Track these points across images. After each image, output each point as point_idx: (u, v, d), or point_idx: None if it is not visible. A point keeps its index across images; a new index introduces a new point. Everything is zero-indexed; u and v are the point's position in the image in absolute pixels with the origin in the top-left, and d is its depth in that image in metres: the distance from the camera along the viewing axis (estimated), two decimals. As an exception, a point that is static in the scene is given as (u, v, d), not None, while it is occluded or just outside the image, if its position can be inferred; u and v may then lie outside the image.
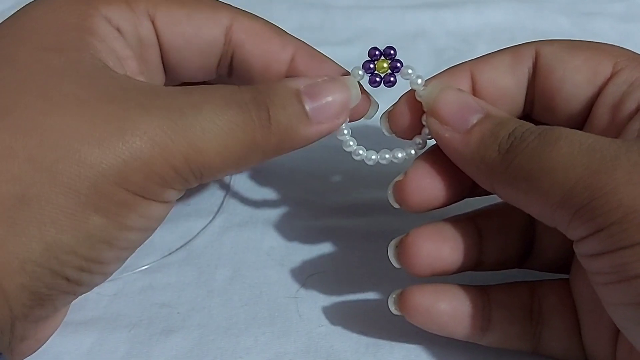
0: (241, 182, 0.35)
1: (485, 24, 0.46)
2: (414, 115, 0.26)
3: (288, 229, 0.33)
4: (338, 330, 0.28)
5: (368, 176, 0.35)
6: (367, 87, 0.27)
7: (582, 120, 0.25)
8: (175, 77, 0.29)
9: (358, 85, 0.26)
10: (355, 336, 0.28)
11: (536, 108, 0.27)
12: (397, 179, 0.26)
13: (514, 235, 0.27)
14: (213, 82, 0.29)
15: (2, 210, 0.21)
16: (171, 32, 0.27)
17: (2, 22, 0.26)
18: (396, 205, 0.26)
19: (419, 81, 0.26)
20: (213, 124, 0.23)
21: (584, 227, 0.21)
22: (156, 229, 0.26)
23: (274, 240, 0.32)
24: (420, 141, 0.27)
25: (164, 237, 0.32)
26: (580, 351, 0.26)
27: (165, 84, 0.29)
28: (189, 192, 0.33)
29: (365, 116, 0.28)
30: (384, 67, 0.26)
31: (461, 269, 0.26)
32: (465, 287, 0.26)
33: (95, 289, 0.25)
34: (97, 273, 0.24)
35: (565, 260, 0.27)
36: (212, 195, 0.34)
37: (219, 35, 0.28)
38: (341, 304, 0.30)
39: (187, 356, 0.27)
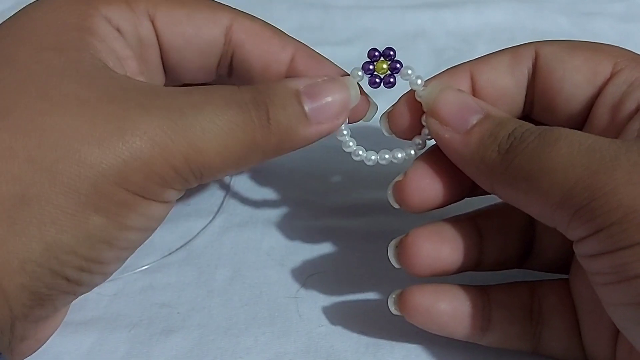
0: (241, 182, 0.35)
1: (485, 24, 0.46)
2: (413, 116, 0.26)
3: (288, 229, 0.33)
4: (338, 330, 0.28)
5: (368, 176, 0.35)
6: (367, 89, 0.27)
7: (581, 120, 0.26)
8: (176, 78, 0.29)
9: (357, 85, 0.26)
10: (355, 336, 0.28)
11: (536, 108, 0.27)
12: (397, 179, 0.26)
13: (514, 236, 0.27)
14: (213, 84, 0.29)
15: (2, 210, 0.21)
16: (171, 32, 0.27)
17: (3, 22, 0.26)
18: (396, 206, 0.26)
19: (419, 82, 0.26)
20: (213, 124, 0.23)
21: (583, 227, 0.21)
22: (156, 229, 0.26)
23: (274, 240, 0.32)
24: (420, 141, 0.27)
25: (164, 237, 0.32)
26: (580, 351, 0.26)
27: (166, 85, 0.29)
28: (189, 192, 0.33)
29: (364, 118, 0.28)
30: (383, 68, 0.26)
31: (461, 269, 0.26)
32: (465, 287, 0.26)
33: (95, 289, 0.26)
34: (97, 273, 0.24)
35: (565, 261, 0.27)
36: (212, 195, 0.34)
37: (219, 36, 0.28)
38: (341, 304, 0.30)
39: (187, 356, 0.27)
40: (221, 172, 0.25)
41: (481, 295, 0.26)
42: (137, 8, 0.27)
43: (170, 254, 0.32)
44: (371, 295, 0.30)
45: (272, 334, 0.28)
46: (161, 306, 0.29)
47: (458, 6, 0.47)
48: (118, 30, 0.26)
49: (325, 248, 0.32)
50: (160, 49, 0.28)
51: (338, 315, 0.29)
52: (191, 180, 0.24)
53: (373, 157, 0.27)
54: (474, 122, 0.24)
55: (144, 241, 0.26)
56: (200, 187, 0.34)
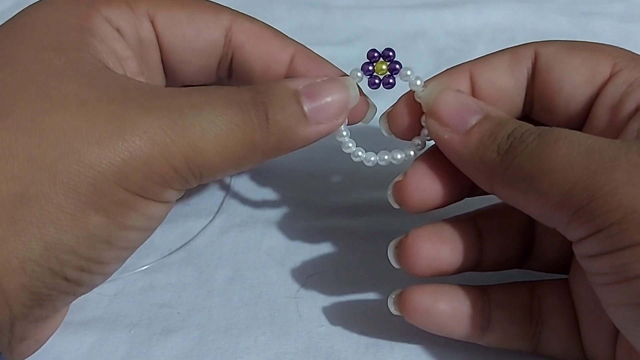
0: (241, 182, 0.35)
1: (485, 24, 0.46)
2: (413, 116, 0.26)
3: (288, 229, 0.33)
4: (338, 330, 0.28)
5: (368, 177, 0.35)
6: (366, 90, 0.27)
7: (581, 120, 0.26)
8: (176, 79, 0.29)
9: (357, 86, 0.26)
10: (355, 336, 0.28)
11: (535, 109, 0.27)
12: (396, 179, 0.26)
13: (514, 236, 0.27)
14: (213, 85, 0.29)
15: (2, 209, 0.21)
16: (171, 33, 0.27)
17: (4, 23, 0.26)
18: (396, 206, 0.26)
19: (418, 82, 0.26)
20: (213, 124, 0.23)
21: (583, 227, 0.21)
22: (156, 229, 0.26)
23: (274, 240, 0.32)
24: (420, 142, 0.27)
25: (164, 237, 0.32)
26: (580, 351, 0.26)
27: (166, 86, 0.29)
28: (189, 192, 0.33)
29: (363, 120, 0.28)
30: (382, 69, 0.26)
31: (461, 270, 0.26)
32: (465, 287, 0.26)
33: (95, 289, 0.26)
34: (97, 273, 0.24)
35: (564, 261, 0.27)
36: (212, 196, 0.34)
37: (219, 37, 0.28)
38: (341, 304, 0.30)
39: (187, 356, 0.27)
40: (221, 172, 0.25)
41: (481, 295, 0.26)
42: (138, 9, 0.27)
43: (170, 254, 0.32)
44: (371, 295, 0.30)
45: (272, 334, 0.28)
46: (161, 306, 0.29)
47: (458, 6, 0.47)
48: (118, 30, 0.26)
49: (325, 248, 0.32)
50: (161, 50, 0.28)
51: (338, 315, 0.29)
52: (191, 180, 0.24)
53: (372, 158, 0.27)
54: (474, 122, 0.24)
55: (144, 241, 0.26)
56: (200, 187, 0.34)
